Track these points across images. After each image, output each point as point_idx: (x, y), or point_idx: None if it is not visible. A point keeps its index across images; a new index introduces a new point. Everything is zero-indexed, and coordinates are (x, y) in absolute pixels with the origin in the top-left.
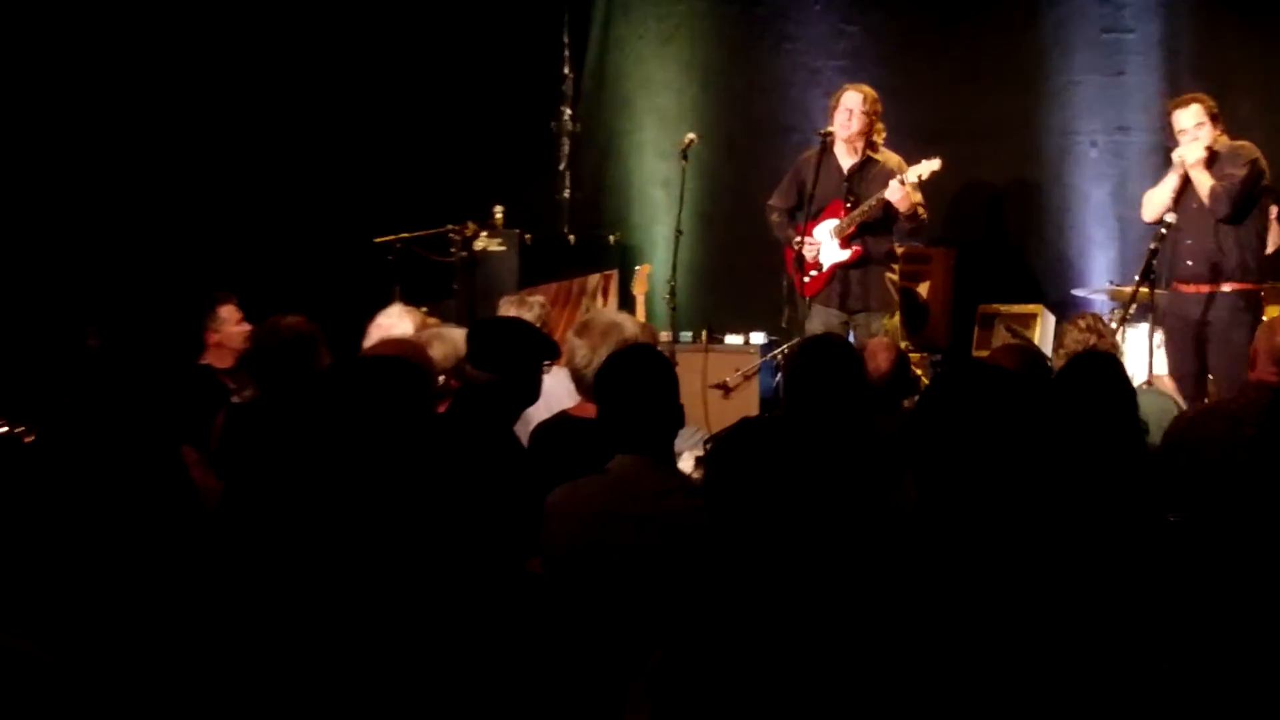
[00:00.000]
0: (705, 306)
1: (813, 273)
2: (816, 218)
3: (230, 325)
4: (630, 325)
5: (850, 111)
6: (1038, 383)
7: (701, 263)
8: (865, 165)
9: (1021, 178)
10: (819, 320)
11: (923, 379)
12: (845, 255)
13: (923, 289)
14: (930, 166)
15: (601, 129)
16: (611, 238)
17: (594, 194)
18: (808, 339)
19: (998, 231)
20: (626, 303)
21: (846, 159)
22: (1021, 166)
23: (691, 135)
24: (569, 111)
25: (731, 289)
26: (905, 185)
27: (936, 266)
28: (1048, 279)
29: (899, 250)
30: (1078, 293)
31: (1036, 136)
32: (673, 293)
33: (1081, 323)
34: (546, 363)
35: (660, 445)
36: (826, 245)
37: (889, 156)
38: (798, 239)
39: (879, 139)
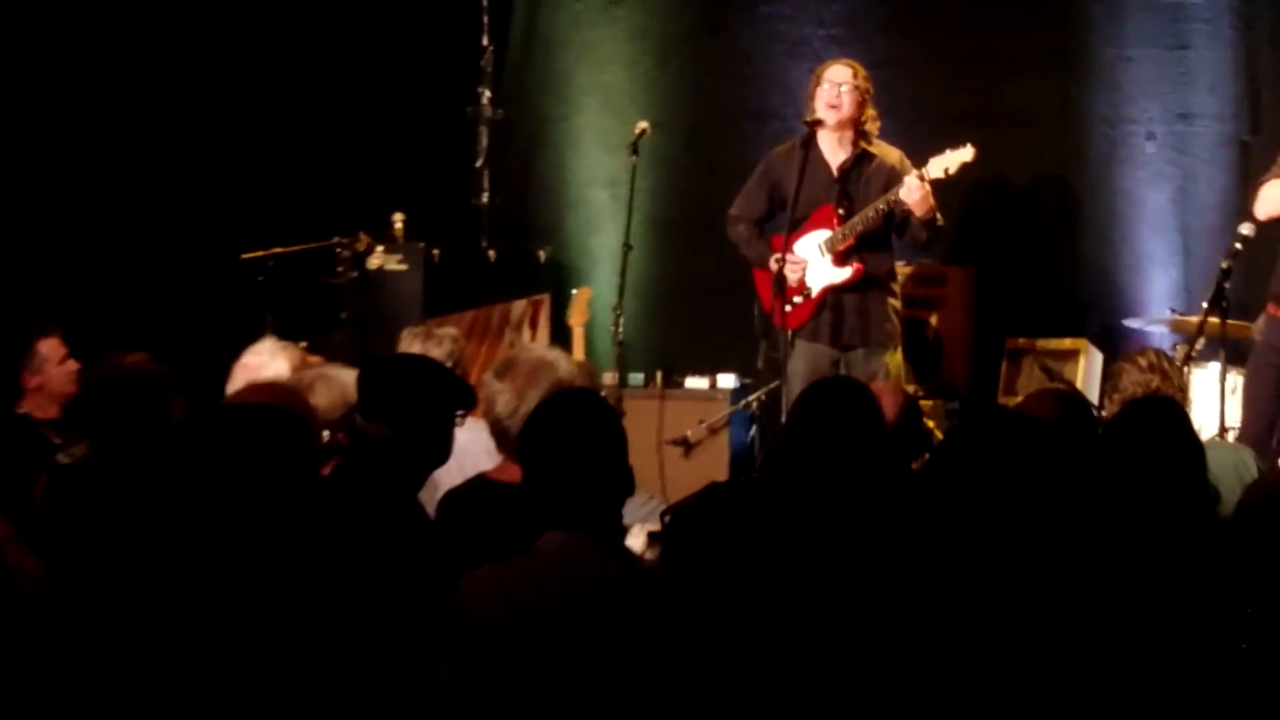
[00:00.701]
0: (661, 341)
1: (797, 299)
2: (799, 229)
3: (53, 365)
4: (565, 365)
5: (839, 88)
6: (1082, 437)
7: (657, 285)
8: (859, 162)
9: (1059, 178)
10: (803, 359)
11: (936, 433)
12: (843, 275)
13: (934, 319)
14: (960, 158)
15: (530, 115)
16: (542, 253)
17: (520, 198)
18: (818, 383)
19: (1029, 246)
20: (561, 336)
21: (835, 153)
22: (1059, 164)
23: (644, 123)
24: (488, 93)
25: (694, 319)
26: (925, 182)
27: (952, 290)
28: (1093, 306)
29: (904, 270)
30: (1131, 323)
31: (1078, 126)
32: (619, 323)
33: (1142, 360)
34: (459, 413)
35: (603, 518)
36: (816, 263)
37: (887, 151)
38: (776, 256)
39: (872, 128)
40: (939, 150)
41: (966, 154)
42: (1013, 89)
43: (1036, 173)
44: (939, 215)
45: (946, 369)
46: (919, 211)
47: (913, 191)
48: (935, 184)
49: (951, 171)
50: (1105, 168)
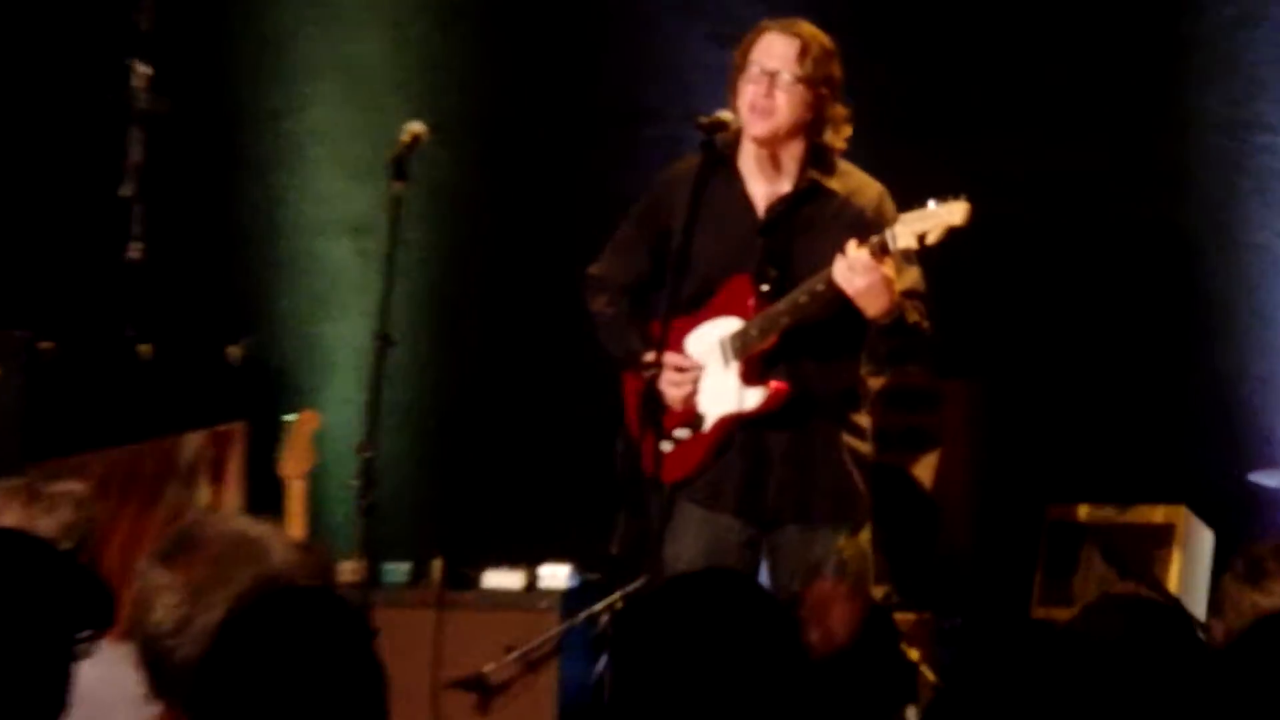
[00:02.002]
0: (442, 506)
1: (680, 433)
2: (696, 310)
3: None
4: (275, 547)
5: (771, 77)
6: (1181, 677)
7: (435, 408)
8: (807, 200)
9: (1126, 223)
10: (693, 538)
11: (924, 671)
12: (756, 399)
13: (924, 468)
14: (945, 218)
15: (222, 108)
16: (235, 350)
17: (198, 251)
18: (671, 582)
19: (1078, 347)
20: (268, 495)
21: (767, 184)
22: (1127, 201)
23: (417, 126)
24: (145, 69)
25: (501, 466)
26: (891, 252)
27: (951, 418)
28: (1197, 451)
29: (873, 384)
30: (1262, 480)
31: (1163, 133)
32: (368, 475)
33: None
34: (86, 634)
35: None
36: (716, 373)
37: (861, 182)
38: (649, 356)
39: (836, 141)
40: (934, 194)
41: (955, 213)
42: (1054, 82)
43: (1090, 220)
44: (920, 312)
45: (942, 554)
46: (869, 309)
47: (854, 274)
48: (913, 256)
49: (931, 239)
50: (1214, 206)
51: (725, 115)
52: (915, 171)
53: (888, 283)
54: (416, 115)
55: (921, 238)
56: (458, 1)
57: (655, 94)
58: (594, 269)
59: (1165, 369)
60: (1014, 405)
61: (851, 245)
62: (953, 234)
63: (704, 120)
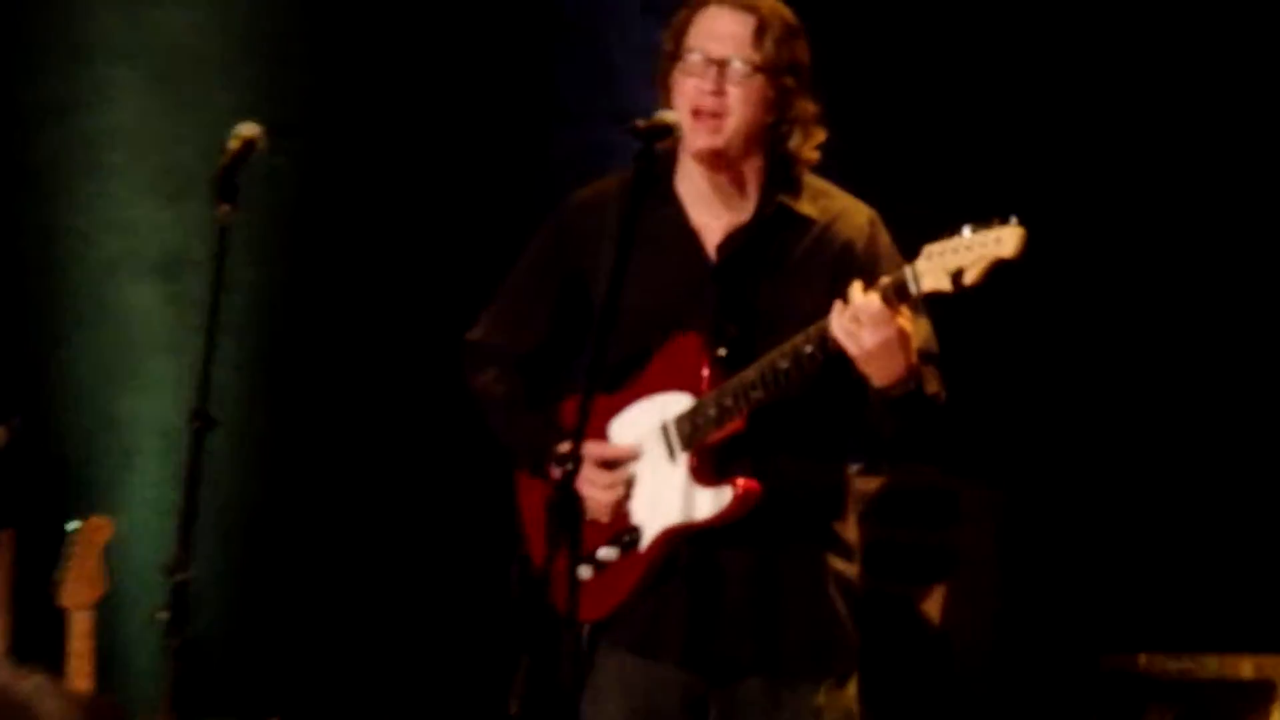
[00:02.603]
0: (278, 645)
1: (605, 553)
2: (624, 384)
3: None
4: (50, 708)
5: (719, 67)
6: None
7: (269, 512)
8: (771, 231)
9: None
10: (623, 695)
11: None
12: (713, 505)
13: (933, 599)
14: (991, 248)
15: None
16: None
17: None
18: None
19: (1138, 442)
20: (44, 632)
21: (712, 211)
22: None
23: (249, 128)
24: None
25: (363, 593)
26: (913, 298)
27: (970, 536)
28: None
29: (868, 485)
30: None
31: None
32: (182, 602)
33: None
34: None
35: None
36: (656, 471)
37: (842, 206)
38: (563, 449)
39: (806, 150)
40: (938, 226)
41: (1005, 242)
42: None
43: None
44: (933, 381)
45: (956, 714)
46: (878, 376)
47: (861, 328)
48: (931, 301)
49: (971, 278)
50: None
51: (669, 117)
52: (922, 196)
53: (905, 340)
54: (250, 114)
55: (957, 277)
56: None
57: (573, 87)
58: (476, 333)
59: (1252, 476)
60: (1052, 519)
61: (857, 289)
62: (996, 268)
63: (641, 124)
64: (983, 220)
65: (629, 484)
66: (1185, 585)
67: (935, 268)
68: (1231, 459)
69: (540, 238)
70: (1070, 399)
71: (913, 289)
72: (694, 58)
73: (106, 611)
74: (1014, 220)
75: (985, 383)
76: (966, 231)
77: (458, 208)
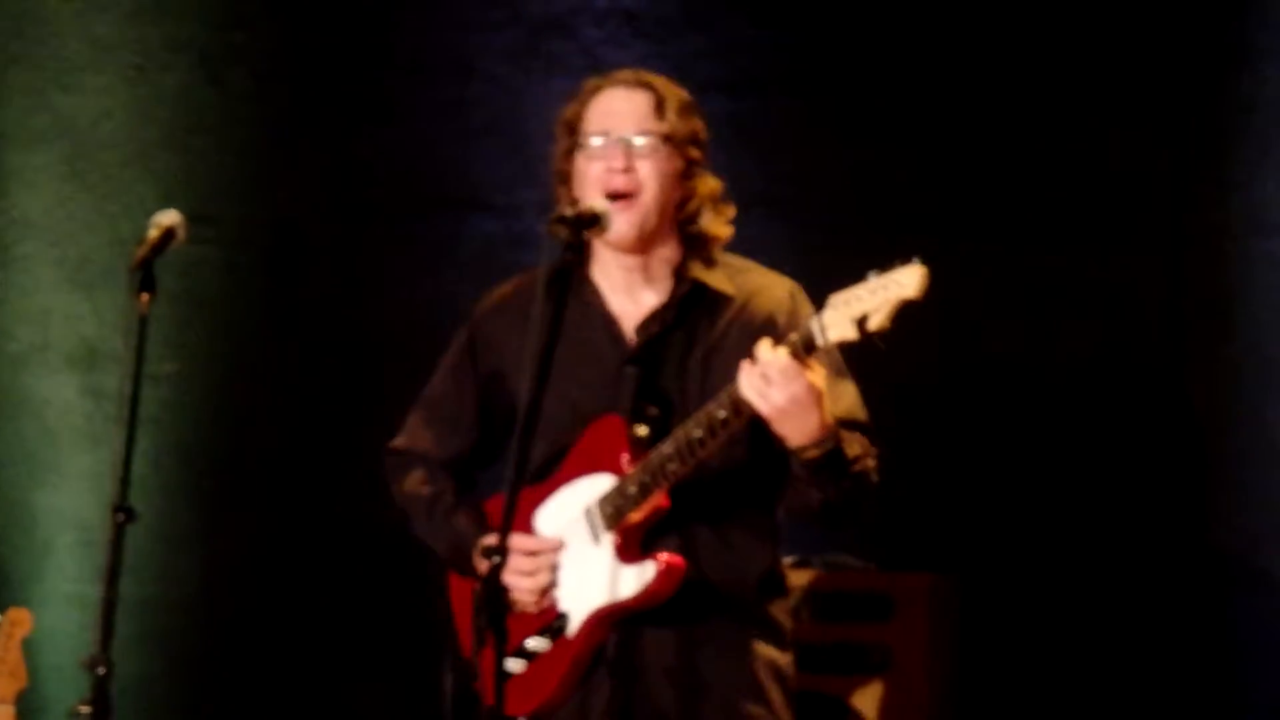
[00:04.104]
0: None
1: (533, 644)
2: (547, 476)
3: None
4: None
5: (625, 146)
6: None
7: (192, 607)
8: (686, 310)
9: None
10: None
11: None
12: (637, 582)
13: (867, 697)
14: (894, 290)
15: None
16: None
17: None
18: None
19: (1088, 525)
20: None
21: (627, 296)
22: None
23: (171, 216)
24: None
25: (288, 694)
26: (820, 348)
27: (906, 631)
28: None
29: (800, 578)
30: None
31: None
32: (103, 698)
33: None
34: None
35: None
36: (581, 555)
37: (760, 282)
38: (487, 543)
39: (717, 226)
40: (850, 274)
41: (907, 282)
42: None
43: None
44: (855, 445)
45: None
46: (793, 435)
47: (769, 385)
48: (845, 369)
49: (876, 323)
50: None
51: (597, 205)
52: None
53: (816, 396)
54: (169, 201)
55: (861, 323)
56: (230, 40)
57: (496, 175)
58: (400, 441)
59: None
60: (996, 609)
61: (764, 346)
62: (902, 310)
63: (569, 214)
64: (884, 265)
65: (554, 571)
66: (1139, 674)
67: (841, 317)
68: (1166, 543)
69: (456, 343)
70: (1010, 488)
71: (819, 340)
72: (596, 141)
73: (27, 706)
74: (915, 260)
75: (918, 473)
76: (871, 276)
77: (377, 299)
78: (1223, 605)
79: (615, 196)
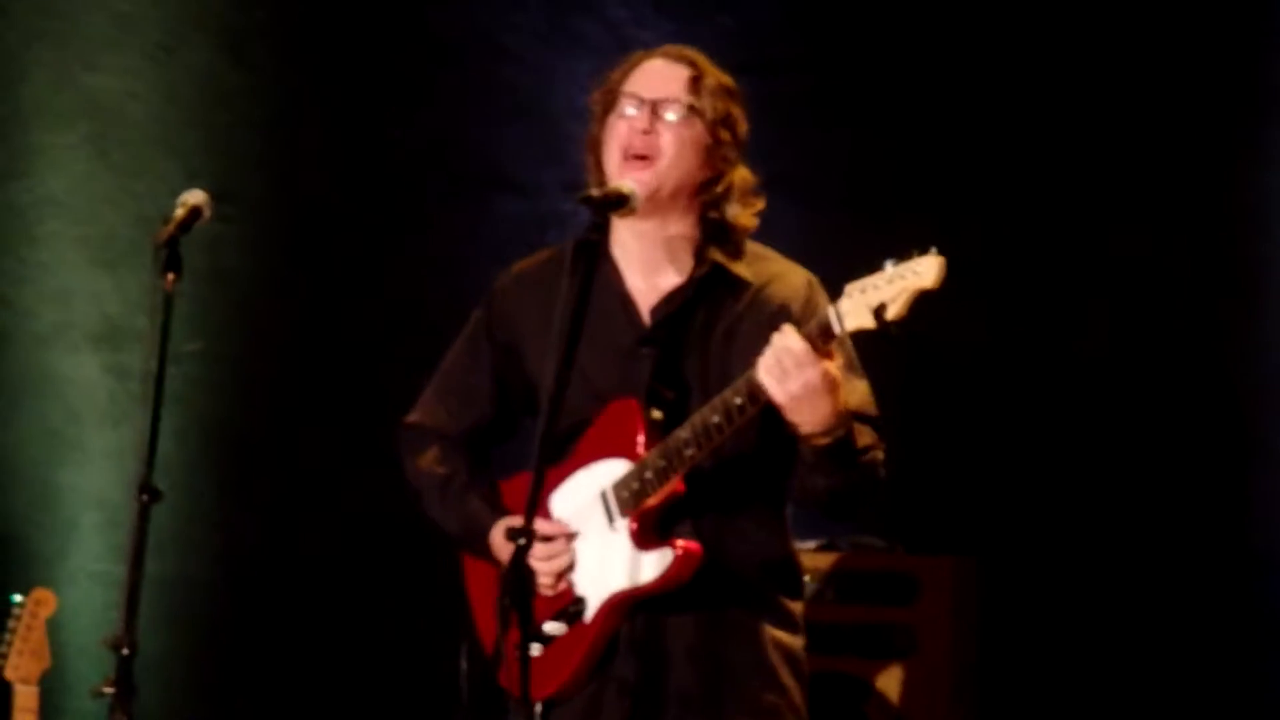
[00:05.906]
0: None
1: (551, 628)
2: (562, 458)
3: None
4: None
5: (653, 108)
6: None
7: (215, 587)
8: (705, 292)
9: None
10: None
11: None
12: (655, 568)
13: (890, 679)
14: (911, 280)
15: None
16: None
17: None
18: None
19: (1113, 506)
20: None
21: (644, 274)
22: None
23: (196, 196)
24: None
25: (310, 672)
26: (839, 336)
27: (929, 613)
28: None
29: (819, 560)
30: None
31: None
32: (126, 677)
33: None
34: None
35: None
36: (597, 540)
37: (778, 269)
38: (509, 526)
39: (743, 217)
40: (866, 263)
41: (925, 272)
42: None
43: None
44: (866, 436)
45: None
46: (806, 422)
47: (786, 372)
48: (858, 365)
49: (894, 313)
50: None
51: (624, 186)
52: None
53: (831, 383)
54: (193, 179)
55: (879, 312)
56: (253, 17)
57: (523, 158)
58: (414, 416)
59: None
60: (1020, 593)
61: (781, 333)
62: (920, 300)
63: (596, 194)
64: (902, 254)
65: (571, 555)
66: (1161, 659)
67: (858, 305)
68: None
69: (471, 321)
70: (1034, 470)
71: (837, 328)
72: (626, 102)
73: (50, 686)
74: (933, 250)
75: (943, 455)
76: (888, 266)
77: (404, 277)
78: (1250, 589)
79: (633, 158)
